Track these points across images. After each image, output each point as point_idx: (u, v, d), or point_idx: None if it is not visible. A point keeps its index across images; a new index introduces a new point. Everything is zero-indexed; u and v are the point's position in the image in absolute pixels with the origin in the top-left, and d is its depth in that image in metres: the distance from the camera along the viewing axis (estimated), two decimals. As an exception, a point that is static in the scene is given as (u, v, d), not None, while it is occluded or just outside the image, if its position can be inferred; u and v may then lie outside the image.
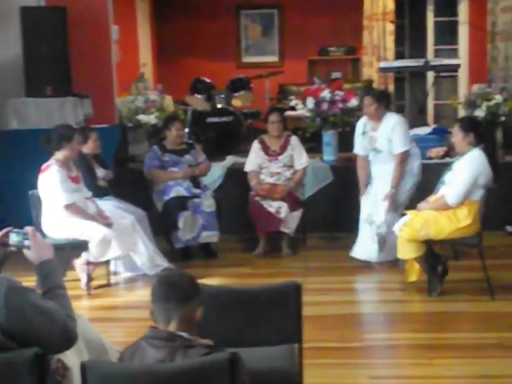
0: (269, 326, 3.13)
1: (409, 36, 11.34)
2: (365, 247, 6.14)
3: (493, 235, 6.41)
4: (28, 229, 2.75)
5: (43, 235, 5.60)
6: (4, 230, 2.76)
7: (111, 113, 8.09)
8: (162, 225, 6.52)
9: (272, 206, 6.56)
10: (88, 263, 5.73)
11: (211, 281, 5.75)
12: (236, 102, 8.81)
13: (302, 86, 9.70)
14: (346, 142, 7.88)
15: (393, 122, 6.00)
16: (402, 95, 11.00)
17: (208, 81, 8.95)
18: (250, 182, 6.78)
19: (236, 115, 8.48)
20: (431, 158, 7.15)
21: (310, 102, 7.55)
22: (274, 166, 6.78)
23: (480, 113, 7.56)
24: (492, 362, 4.19)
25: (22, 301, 2.48)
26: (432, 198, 5.47)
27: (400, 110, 10.41)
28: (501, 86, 8.13)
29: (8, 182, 7.01)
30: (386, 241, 5.94)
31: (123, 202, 6.33)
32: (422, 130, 7.79)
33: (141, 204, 6.46)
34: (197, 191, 6.59)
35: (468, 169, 5.20)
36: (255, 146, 6.91)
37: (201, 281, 2.90)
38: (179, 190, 6.52)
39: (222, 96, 8.73)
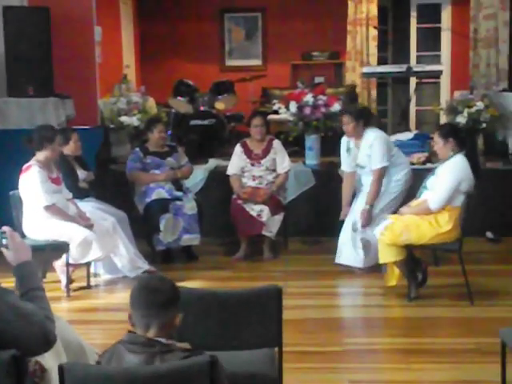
0: (249, 329, 3.12)
1: (392, 42, 11.40)
2: (348, 253, 6.15)
3: (473, 241, 6.45)
4: (5, 228, 2.73)
5: (23, 236, 5.57)
6: None
7: (94, 114, 8.06)
8: (143, 227, 6.50)
9: (254, 210, 6.56)
10: (68, 265, 5.70)
11: (192, 284, 5.74)
12: (219, 105, 8.81)
13: (285, 90, 9.73)
14: (328, 146, 7.93)
15: (371, 139, 6.02)
16: (385, 101, 11.05)
17: (191, 83, 8.94)
18: (232, 186, 6.78)
19: (219, 118, 8.48)
20: (413, 164, 7.18)
21: (293, 106, 7.56)
22: (257, 170, 6.79)
23: (461, 119, 7.61)
24: (470, 368, 4.20)
25: (0, 302, 2.46)
26: (414, 203, 5.50)
27: (382, 116, 10.49)
28: (482, 93, 8.18)
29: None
30: (370, 246, 5.95)
31: (104, 203, 6.31)
32: (404, 136, 7.82)
33: (122, 206, 6.44)
34: (178, 194, 6.57)
35: (451, 174, 5.23)
36: (238, 149, 6.90)
37: (181, 284, 2.90)
38: (161, 192, 6.50)
39: (205, 99, 8.73)
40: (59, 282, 5.84)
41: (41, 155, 5.59)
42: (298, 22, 11.11)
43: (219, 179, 7.06)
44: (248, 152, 6.85)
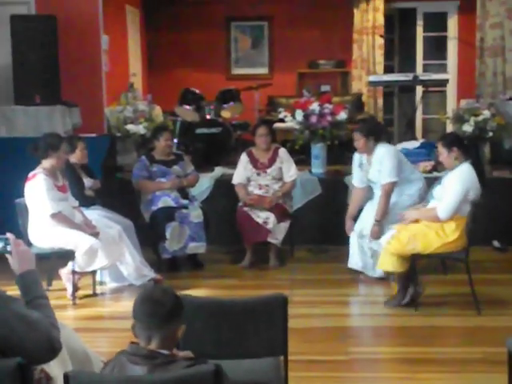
0: (254, 338, 3.12)
1: (398, 50, 11.42)
2: (359, 258, 6.15)
3: (480, 250, 6.41)
4: (9, 235, 2.73)
5: (29, 244, 5.58)
6: None
7: (100, 122, 8.08)
8: (149, 235, 6.50)
9: (260, 217, 6.55)
10: (74, 273, 5.70)
11: (198, 292, 5.74)
12: (225, 114, 8.81)
13: (291, 99, 9.74)
14: (334, 155, 7.93)
15: (381, 154, 6.02)
16: (391, 109, 11.03)
17: (197, 92, 8.94)
18: (237, 194, 6.77)
19: (225, 126, 8.48)
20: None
21: (299, 115, 7.56)
22: (263, 179, 6.78)
23: (468, 128, 7.59)
24: (477, 377, 4.19)
25: (6, 310, 2.46)
26: (422, 210, 5.51)
27: (389, 124, 10.48)
28: (489, 102, 8.17)
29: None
30: (378, 256, 5.93)
31: (110, 211, 6.31)
32: (411, 145, 7.82)
33: (128, 214, 6.44)
34: (184, 202, 6.57)
35: (458, 184, 5.21)
36: (243, 158, 6.90)
37: (187, 292, 2.91)
38: (167, 200, 6.51)
39: (212, 107, 8.73)
40: (65, 290, 5.84)
41: (46, 163, 5.60)
42: (304, 31, 11.12)
43: (225, 187, 7.06)
44: (254, 161, 6.84)
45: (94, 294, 5.95)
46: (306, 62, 11.14)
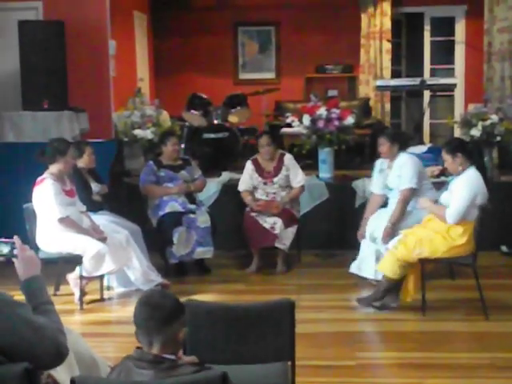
0: (262, 343, 3.11)
1: (405, 55, 11.41)
2: (365, 264, 6.13)
3: (488, 255, 6.40)
4: (15, 238, 2.73)
5: (37, 249, 5.59)
6: None
7: (108, 127, 8.10)
8: (156, 240, 6.50)
9: (267, 222, 6.54)
10: (81, 278, 5.71)
11: (205, 297, 5.74)
12: (232, 119, 8.82)
13: (298, 103, 9.74)
14: (341, 159, 7.93)
15: (404, 160, 6.03)
16: (399, 114, 11.06)
17: (205, 97, 8.95)
18: (244, 200, 6.77)
19: (232, 131, 8.49)
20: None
21: (306, 120, 7.55)
22: (270, 188, 6.75)
23: (475, 132, 7.57)
24: (484, 383, 4.17)
25: (14, 315, 2.46)
26: (428, 216, 5.49)
27: (396, 129, 10.48)
28: (496, 106, 8.14)
29: (3, 194, 7.00)
30: None
31: (118, 216, 6.32)
32: (418, 149, 7.79)
33: (136, 219, 6.45)
34: (192, 207, 6.57)
35: (466, 189, 5.19)
36: (248, 166, 6.85)
37: (194, 297, 2.90)
38: (174, 205, 6.51)
39: (219, 112, 8.74)
40: (72, 294, 5.85)
41: (54, 168, 5.62)
42: (311, 36, 11.13)
43: (232, 192, 7.06)
44: (259, 170, 6.80)
45: (102, 299, 5.96)
46: (313, 67, 11.13)
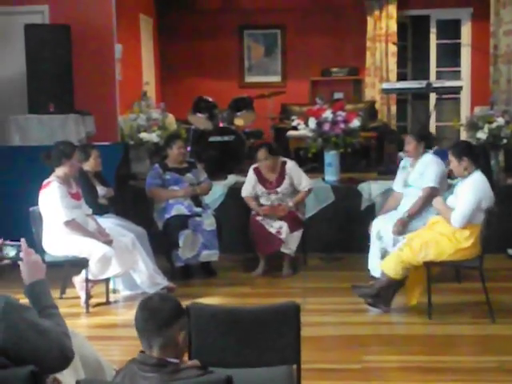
0: (267, 346, 3.10)
1: (411, 58, 11.40)
2: (371, 263, 6.13)
3: (494, 258, 6.38)
4: (22, 241, 2.73)
5: (43, 252, 5.60)
6: None
7: (114, 130, 8.12)
8: (162, 243, 6.50)
9: (273, 227, 6.53)
10: (87, 281, 5.71)
11: (211, 300, 5.74)
12: (238, 122, 8.83)
13: (304, 107, 9.73)
14: (347, 162, 7.92)
15: (428, 160, 6.07)
16: (405, 117, 11.04)
17: (210, 100, 8.96)
18: (248, 205, 6.75)
19: (238, 134, 8.49)
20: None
21: (312, 123, 7.55)
22: (274, 197, 6.71)
23: (482, 135, 7.55)
24: (492, 386, 4.16)
25: (19, 319, 2.47)
26: (433, 219, 5.48)
27: (402, 132, 10.46)
28: (503, 109, 8.12)
29: (10, 197, 7.01)
30: None
31: (124, 219, 6.33)
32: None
33: (142, 222, 6.46)
34: (198, 210, 6.58)
35: (471, 193, 5.19)
36: (251, 175, 6.79)
37: (200, 300, 2.90)
38: (180, 208, 6.51)
39: (225, 115, 8.75)
40: (78, 298, 5.86)
41: (60, 171, 5.62)
42: (317, 39, 11.12)
43: (238, 195, 7.04)
44: (262, 180, 6.73)
45: (108, 302, 5.96)
46: (318, 70, 11.13)
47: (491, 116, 7.71)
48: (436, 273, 5.55)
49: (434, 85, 8.68)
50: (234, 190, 7.37)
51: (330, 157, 7.70)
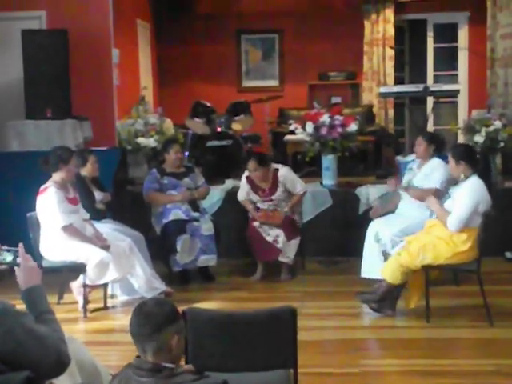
0: (264, 350, 3.10)
1: (409, 61, 11.41)
2: (372, 265, 6.10)
3: (492, 261, 6.37)
4: (20, 246, 2.73)
5: (41, 257, 5.60)
6: None
7: (111, 135, 8.11)
8: (160, 248, 6.50)
9: (270, 235, 6.51)
10: (85, 286, 5.71)
11: (209, 305, 5.74)
12: (236, 126, 8.83)
13: (302, 111, 9.74)
14: (345, 166, 7.92)
15: (436, 163, 6.07)
16: (402, 120, 11.05)
17: (208, 104, 8.97)
18: (245, 208, 6.75)
19: (236, 139, 8.49)
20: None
21: (310, 127, 7.55)
22: (269, 204, 6.69)
23: (479, 138, 7.56)
24: (490, 390, 4.16)
25: (15, 324, 2.46)
26: (430, 222, 5.48)
27: (400, 135, 10.48)
28: (500, 112, 8.14)
29: (7, 203, 7.00)
30: None
31: (121, 224, 6.33)
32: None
33: (140, 227, 6.45)
34: (195, 214, 6.57)
35: (468, 197, 5.19)
36: (244, 184, 6.75)
37: (198, 305, 2.90)
38: (178, 213, 6.51)
39: (222, 120, 8.75)
40: (76, 303, 5.85)
41: (57, 176, 5.62)
42: (314, 43, 11.13)
43: (236, 200, 7.03)
44: (255, 189, 6.69)
45: (105, 307, 5.95)
46: (316, 74, 11.15)
47: (488, 119, 7.72)
48: (434, 276, 5.55)
49: (432, 88, 8.69)
50: (232, 195, 7.36)
51: (328, 161, 7.70)
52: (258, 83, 11.38)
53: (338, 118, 7.55)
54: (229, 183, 7.73)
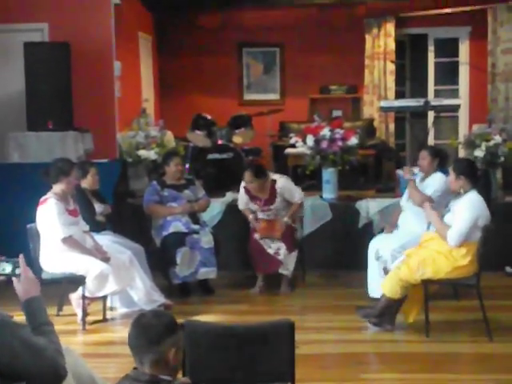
0: (261, 363, 3.10)
1: (409, 76, 11.44)
2: (376, 284, 6.08)
3: (492, 276, 6.37)
4: (20, 257, 2.73)
5: (40, 269, 5.60)
6: None
7: (112, 147, 8.13)
8: (159, 260, 6.49)
9: (271, 248, 6.52)
10: (84, 298, 5.70)
11: (208, 317, 5.72)
12: (237, 139, 8.84)
13: (303, 124, 9.74)
14: (345, 180, 7.92)
15: (438, 178, 6.04)
16: (403, 135, 11.03)
17: (209, 117, 8.98)
18: (246, 217, 6.76)
19: (236, 152, 8.50)
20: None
21: (310, 140, 7.57)
22: (268, 213, 6.71)
23: (479, 153, 7.57)
24: (489, 405, 4.14)
25: (13, 336, 2.46)
26: (427, 236, 5.48)
27: (400, 149, 10.48)
28: (501, 127, 8.15)
29: (8, 214, 7.01)
30: None
31: (121, 236, 6.32)
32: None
33: (140, 239, 6.45)
34: (195, 227, 6.57)
35: (467, 212, 5.19)
36: (242, 194, 6.75)
37: (197, 317, 2.90)
38: (178, 225, 6.51)
39: (223, 133, 8.76)
40: (75, 315, 5.84)
41: (57, 188, 5.63)
42: (315, 57, 11.16)
43: (236, 213, 7.04)
44: (253, 199, 6.68)
45: (104, 320, 5.94)
46: (317, 88, 11.17)
47: (489, 134, 7.73)
48: (433, 290, 5.54)
49: (432, 103, 8.70)
50: (232, 208, 7.37)
51: (328, 174, 7.71)
52: (259, 96, 11.40)
53: (339, 132, 7.56)
54: (229, 196, 7.73)
